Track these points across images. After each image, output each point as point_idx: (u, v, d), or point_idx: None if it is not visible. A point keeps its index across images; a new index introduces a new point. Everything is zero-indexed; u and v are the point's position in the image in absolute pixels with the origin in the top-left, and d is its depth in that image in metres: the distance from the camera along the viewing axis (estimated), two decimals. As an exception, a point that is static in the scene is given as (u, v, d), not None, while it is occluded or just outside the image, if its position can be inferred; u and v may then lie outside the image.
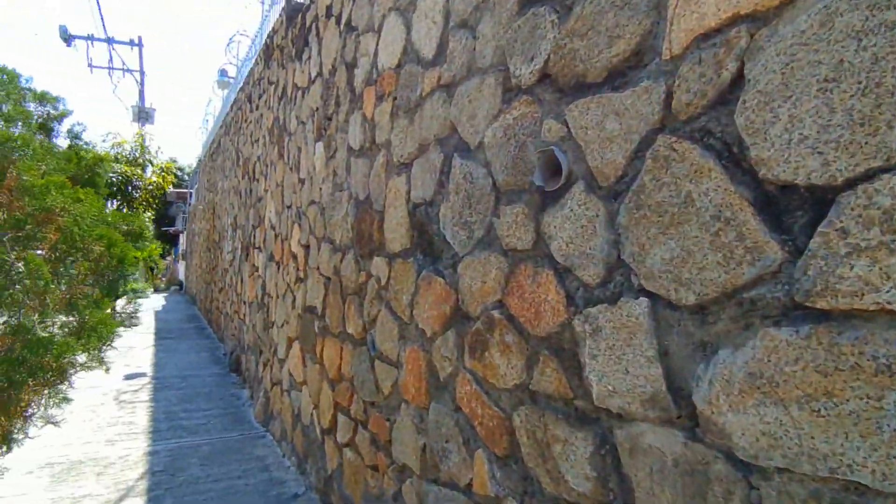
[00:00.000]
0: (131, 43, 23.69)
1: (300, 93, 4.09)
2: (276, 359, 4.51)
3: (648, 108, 1.14)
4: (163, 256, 33.95)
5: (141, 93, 24.22)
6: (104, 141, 10.21)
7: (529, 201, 1.49)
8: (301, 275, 3.82)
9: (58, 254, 1.77)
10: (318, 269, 3.41)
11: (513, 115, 1.57)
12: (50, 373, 1.82)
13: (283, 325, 4.35)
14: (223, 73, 10.16)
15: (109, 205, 10.25)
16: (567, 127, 1.36)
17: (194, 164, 20.03)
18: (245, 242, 6.61)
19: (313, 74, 3.71)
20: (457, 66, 1.86)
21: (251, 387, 5.63)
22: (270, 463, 3.78)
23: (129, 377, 6.09)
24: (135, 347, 8.05)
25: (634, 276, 1.16)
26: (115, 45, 23.02)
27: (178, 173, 39.37)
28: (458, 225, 1.83)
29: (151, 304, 16.16)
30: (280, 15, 5.02)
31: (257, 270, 5.66)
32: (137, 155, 10.43)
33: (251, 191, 6.37)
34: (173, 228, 34.07)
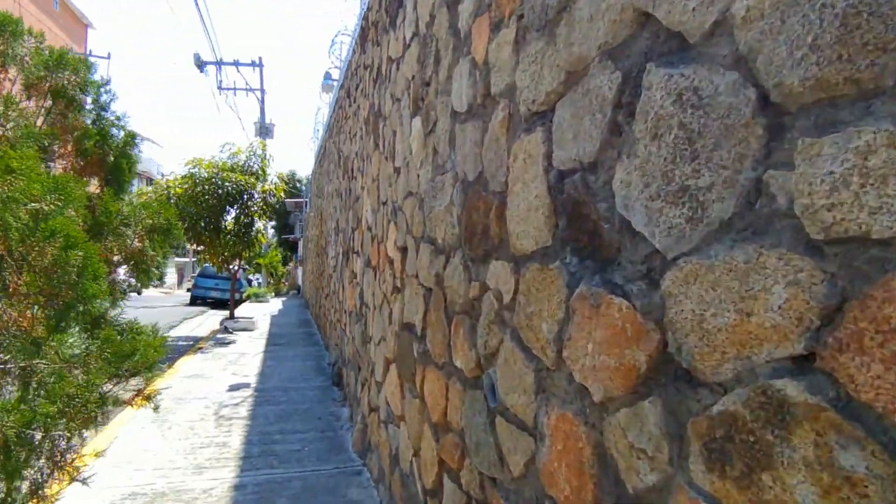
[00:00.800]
0: (253, 64, 25.53)
1: (394, 65, 3.43)
2: (374, 380, 3.89)
3: None
4: (285, 263, 36.46)
5: (262, 109, 26.06)
6: (221, 151, 10.56)
7: (920, 110, 0.58)
8: (398, 283, 3.14)
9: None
10: (416, 276, 2.69)
11: (835, -83, 0.66)
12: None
13: (379, 343, 3.71)
14: (327, 76, 10.08)
15: (229, 214, 10.62)
16: None
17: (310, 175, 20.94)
18: (345, 246, 6.19)
19: (408, 36, 3.01)
20: None
21: (351, 405, 5.12)
22: (365, 512, 3.13)
23: (233, 388, 5.91)
24: (246, 354, 8.05)
25: None
26: (240, 67, 24.99)
27: (297, 185, 42.06)
28: (659, 197, 0.95)
29: (270, 308, 16.93)
30: (374, -12, 4.46)
31: (356, 277, 5.15)
32: (252, 164, 10.66)
33: (350, 190, 5.92)
34: (292, 236, 36.40)
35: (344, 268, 6.26)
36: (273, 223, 44.70)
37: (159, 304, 18.43)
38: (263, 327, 11.49)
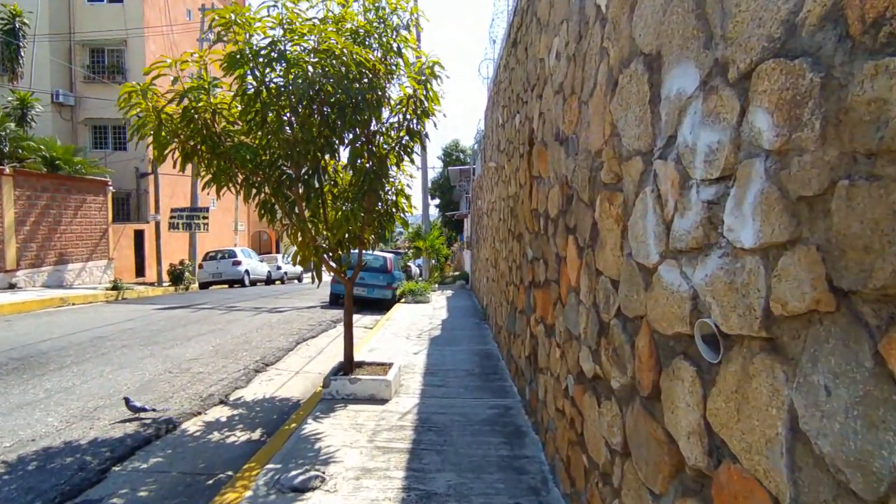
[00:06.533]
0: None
1: None
2: None
3: None
4: (449, 245, 31.63)
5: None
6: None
7: None
8: None
9: None
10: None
11: None
12: None
13: None
14: None
15: (338, 148, 4.95)
16: None
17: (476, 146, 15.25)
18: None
19: None
20: None
21: None
22: None
23: None
24: None
25: None
26: None
27: (461, 156, 36.91)
28: None
29: (428, 317, 11.34)
30: None
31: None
32: (380, 38, 4.89)
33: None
34: (457, 213, 31.35)
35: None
36: (436, 201, 40.05)
37: (291, 306, 14.18)
38: (409, 390, 5.68)
